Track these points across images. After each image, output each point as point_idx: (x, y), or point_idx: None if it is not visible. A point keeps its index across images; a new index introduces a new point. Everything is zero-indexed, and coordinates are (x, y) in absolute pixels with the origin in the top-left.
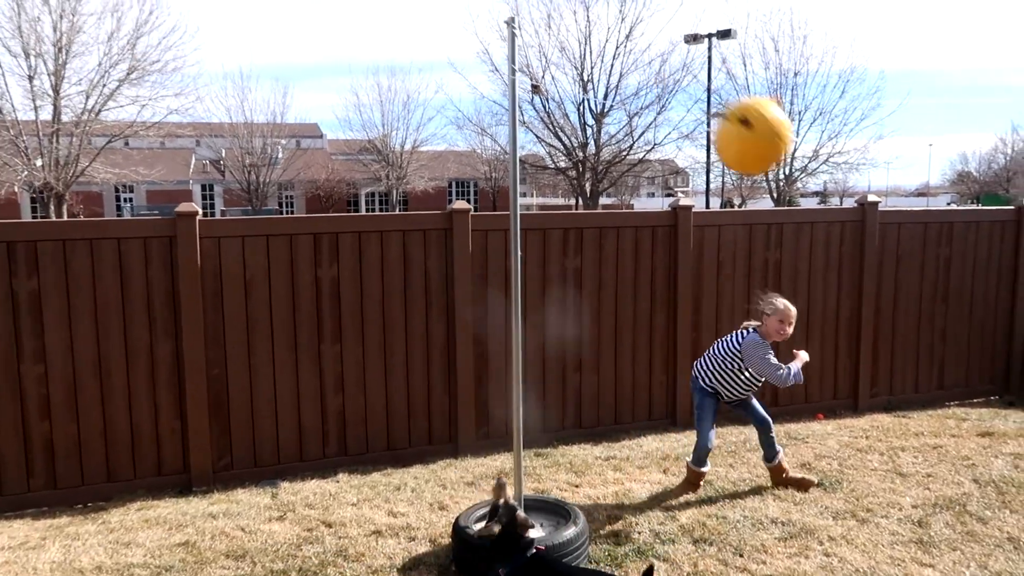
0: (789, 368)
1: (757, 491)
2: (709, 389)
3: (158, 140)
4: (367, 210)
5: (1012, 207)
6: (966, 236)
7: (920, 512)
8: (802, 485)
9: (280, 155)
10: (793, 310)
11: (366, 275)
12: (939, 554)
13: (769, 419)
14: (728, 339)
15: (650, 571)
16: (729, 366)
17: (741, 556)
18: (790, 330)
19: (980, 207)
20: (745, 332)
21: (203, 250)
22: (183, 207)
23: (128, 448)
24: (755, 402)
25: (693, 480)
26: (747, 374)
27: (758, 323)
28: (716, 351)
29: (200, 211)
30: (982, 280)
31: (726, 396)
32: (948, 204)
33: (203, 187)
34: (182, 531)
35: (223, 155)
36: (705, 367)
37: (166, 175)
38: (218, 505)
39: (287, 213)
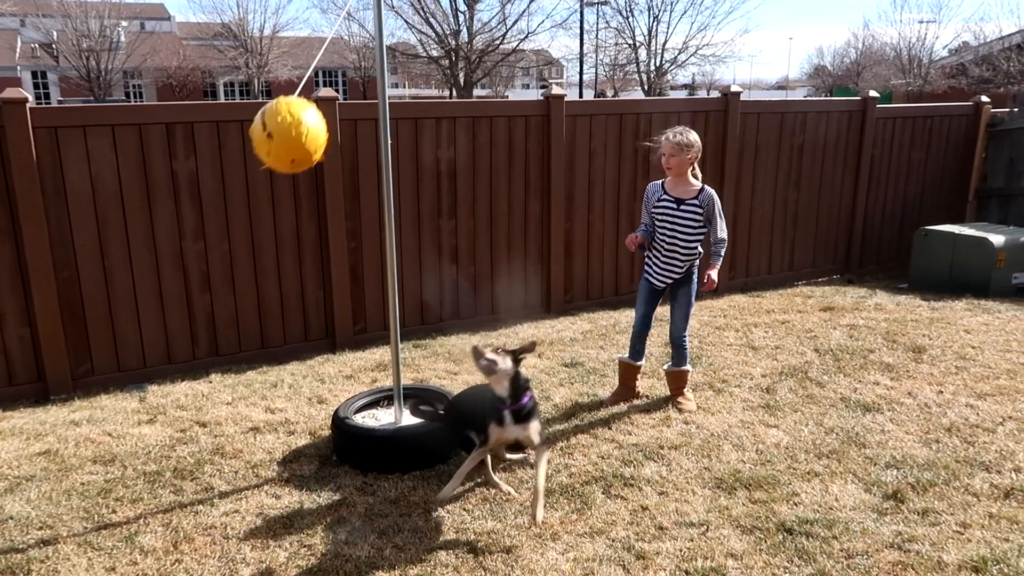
0: None
1: None
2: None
3: None
4: (227, 101)
5: (859, 98)
6: (817, 126)
7: (768, 380)
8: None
9: (122, 39)
10: (666, 139)
11: (227, 168)
12: (783, 416)
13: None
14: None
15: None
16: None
17: (609, 428)
18: (665, 161)
19: (831, 99)
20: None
21: (37, 142)
22: (8, 93)
23: None
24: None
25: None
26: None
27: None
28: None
29: (31, 99)
30: (830, 167)
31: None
32: (805, 96)
33: (34, 74)
34: (42, 440)
35: (55, 38)
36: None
37: None
38: (80, 412)
39: (136, 103)
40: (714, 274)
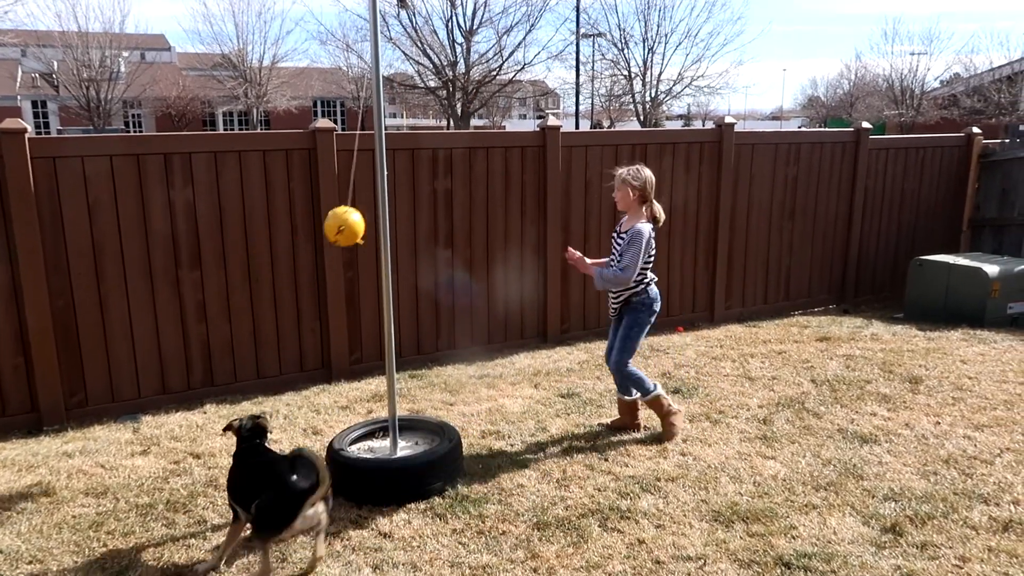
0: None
1: None
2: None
3: None
4: (225, 131)
5: (852, 129)
6: (811, 156)
7: (765, 411)
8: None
9: (122, 69)
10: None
11: (224, 198)
12: (780, 447)
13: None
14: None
15: None
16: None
17: (606, 460)
18: (615, 195)
19: (825, 129)
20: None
21: (35, 171)
22: (7, 123)
23: None
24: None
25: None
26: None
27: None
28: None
29: (30, 129)
30: (824, 197)
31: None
32: (799, 127)
33: (34, 104)
34: (34, 472)
35: (55, 68)
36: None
37: None
38: (73, 443)
39: (135, 133)
40: (580, 263)
